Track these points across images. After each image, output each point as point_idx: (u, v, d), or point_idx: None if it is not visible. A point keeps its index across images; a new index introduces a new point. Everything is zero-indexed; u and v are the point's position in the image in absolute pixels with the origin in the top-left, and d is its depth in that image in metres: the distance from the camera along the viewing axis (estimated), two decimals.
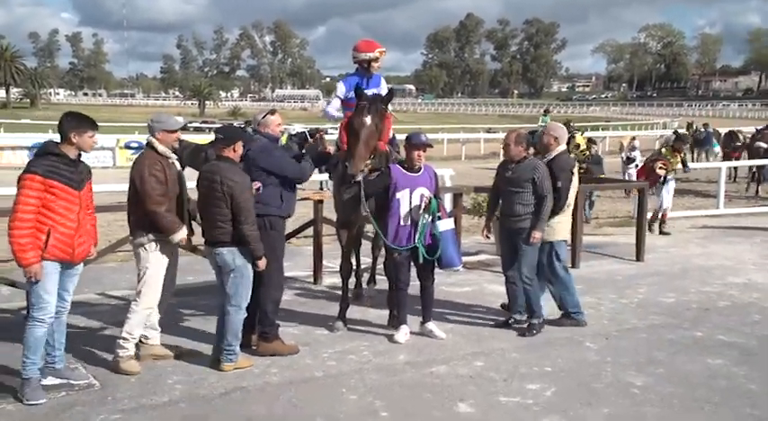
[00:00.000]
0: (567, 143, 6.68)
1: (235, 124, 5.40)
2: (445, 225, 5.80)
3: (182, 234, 5.02)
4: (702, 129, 24.63)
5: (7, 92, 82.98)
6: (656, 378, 5.13)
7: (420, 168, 5.80)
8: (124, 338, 4.98)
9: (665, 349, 5.75)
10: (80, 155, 4.67)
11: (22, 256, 4.38)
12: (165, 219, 4.92)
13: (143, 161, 5.02)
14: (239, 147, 5.04)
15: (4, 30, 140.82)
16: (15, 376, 4.72)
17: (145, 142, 5.22)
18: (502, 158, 6.36)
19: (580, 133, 12.32)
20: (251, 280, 5.08)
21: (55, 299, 4.58)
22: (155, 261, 5.05)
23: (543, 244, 6.05)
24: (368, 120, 5.52)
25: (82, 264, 4.82)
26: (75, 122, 4.61)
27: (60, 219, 4.48)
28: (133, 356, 5.03)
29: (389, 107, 6.03)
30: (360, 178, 5.55)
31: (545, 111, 30.10)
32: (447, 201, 8.53)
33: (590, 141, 13.85)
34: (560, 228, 6.17)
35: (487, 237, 6.45)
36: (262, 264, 5.03)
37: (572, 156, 11.16)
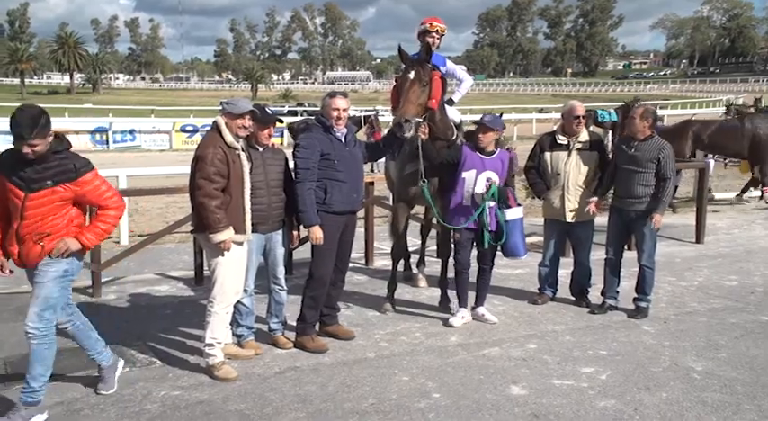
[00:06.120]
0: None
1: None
2: (513, 214, 5.59)
3: (223, 236, 4.44)
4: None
5: (71, 77, 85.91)
6: (718, 362, 4.98)
7: (493, 152, 5.62)
8: (209, 344, 4.62)
9: (726, 333, 5.58)
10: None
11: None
12: (212, 215, 4.40)
13: (207, 145, 4.48)
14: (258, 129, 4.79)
15: (67, 17, 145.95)
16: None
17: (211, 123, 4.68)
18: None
19: None
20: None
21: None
22: (223, 257, 4.55)
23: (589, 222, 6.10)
24: (411, 75, 5.42)
25: (38, 269, 3.96)
26: None
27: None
28: (225, 362, 4.67)
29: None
30: (409, 134, 5.23)
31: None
32: None
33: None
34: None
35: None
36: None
37: None
